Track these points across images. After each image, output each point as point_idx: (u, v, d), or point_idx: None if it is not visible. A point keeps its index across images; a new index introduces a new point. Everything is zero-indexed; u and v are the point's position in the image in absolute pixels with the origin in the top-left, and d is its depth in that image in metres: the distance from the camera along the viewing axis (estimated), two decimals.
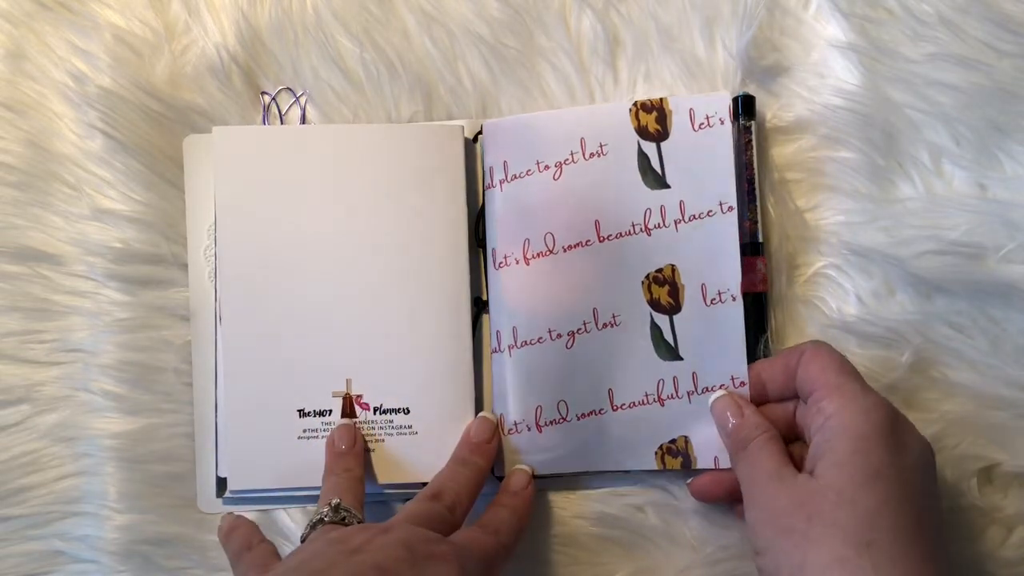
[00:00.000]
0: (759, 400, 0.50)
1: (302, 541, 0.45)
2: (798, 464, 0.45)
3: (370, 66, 0.56)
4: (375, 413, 0.52)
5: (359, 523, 0.45)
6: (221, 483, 0.53)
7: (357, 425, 0.52)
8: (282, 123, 0.56)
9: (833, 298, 0.53)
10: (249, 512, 0.53)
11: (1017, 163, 0.52)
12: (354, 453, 0.51)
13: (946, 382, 0.52)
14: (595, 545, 0.53)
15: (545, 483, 0.53)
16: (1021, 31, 0.53)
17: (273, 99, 0.56)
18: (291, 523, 0.53)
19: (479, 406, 0.53)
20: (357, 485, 0.49)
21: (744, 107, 0.52)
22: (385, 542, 0.41)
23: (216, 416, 0.53)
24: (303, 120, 0.56)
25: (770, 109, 0.54)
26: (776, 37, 0.55)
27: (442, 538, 0.42)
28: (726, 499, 0.51)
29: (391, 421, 0.52)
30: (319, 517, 0.45)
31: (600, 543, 0.53)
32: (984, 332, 0.52)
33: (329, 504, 0.46)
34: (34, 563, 0.53)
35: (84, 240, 0.55)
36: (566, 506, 0.53)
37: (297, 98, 0.56)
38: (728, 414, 0.48)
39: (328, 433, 0.51)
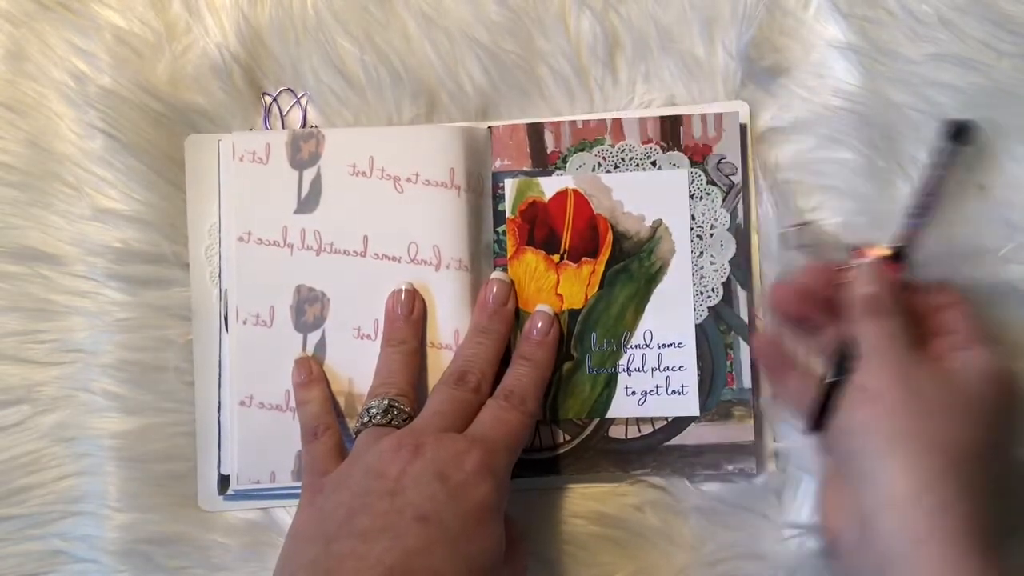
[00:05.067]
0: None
1: (355, 435, 0.48)
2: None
3: (370, 68, 0.56)
4: None
5: (407, 419, 0.48)
6: (223, 481, 0.53)
7: (417, 293, 0.52)
8: (283, 125, 0.56)
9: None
10: (251, 511, 0.53)
11: (1017, 163, 0.52)
12: (411, 322, 0.51)
13: None
14: (595, 545, 0.53)
15: (544, 482, 0.53)
16: (1021, 31, 0.53)
17: (274, 100, 0.56)
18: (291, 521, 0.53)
19: None
20: (411, 360, 0.51)
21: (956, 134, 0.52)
22: (419, 475, 0.42)
23: (219, 414, 0.53)
24: (304, 122, 0.56)
25: (770, 109, 0.54)
26: (776, 38, 0.55)
27: (470, 443, 0.44)
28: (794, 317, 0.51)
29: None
30: (368, 417, 0.48)
31: (600, 543, 0.53)
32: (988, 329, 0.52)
33: (379, 404, 0.48)
34: (34, 563, 0.53)
35: (84, 240, 0.55)
36: (566, 506, 0.53)
37: (298, 99, 0.56)
38: (870, 275, 0.48)
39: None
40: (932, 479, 0.42)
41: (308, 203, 0.53)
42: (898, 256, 0.50)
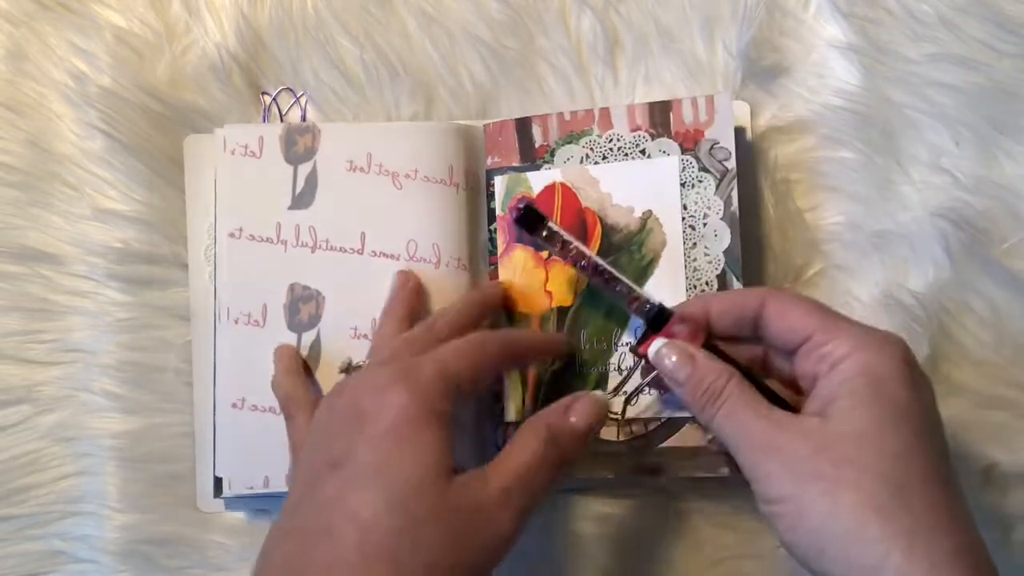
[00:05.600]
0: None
1: None
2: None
3: (370, 67, 0.56)
4: None
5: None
6: (218, 483, 0.52)
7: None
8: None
9: (834, 299, 0.53)
10: (250, 512, 0.53)
11: (1017, 163, 0.52)
12: (408, 290, 0.51)
13: (947, 381, 0.52)
14: (595, 545, 0.52)
15: None
16: (1021, 31, 0.53)
17: (274, 99, 0.56)
18: None
19: None
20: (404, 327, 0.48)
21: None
22: (340, 416, 0.40)
23: (214, 416, 0.53)
24: (303, 121, 0.56)
25: (770, 109, 0.54)
26: (776, 37, 0.55)
27: (391, 366, 0.41)
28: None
29: None
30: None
31: (597, 545, 0.52)
32: (988, 328, 0.52)
33: (346, 365, 0.49)
34: (34, 563, 0.53)
35: (84, 240, 0.55)
36: (566, 506, 0.53)
37: (297, 99, 0.56)
38: (677, 362, 0.43)
39: None
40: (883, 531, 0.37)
41: (303, 199, 0.52)
42: (661, 318, 0.45)
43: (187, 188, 0.55)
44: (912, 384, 0.40)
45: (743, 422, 0.41)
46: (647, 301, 0.46)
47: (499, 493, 0.39)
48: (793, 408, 0.42)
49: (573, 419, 0.42)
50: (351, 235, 0.52)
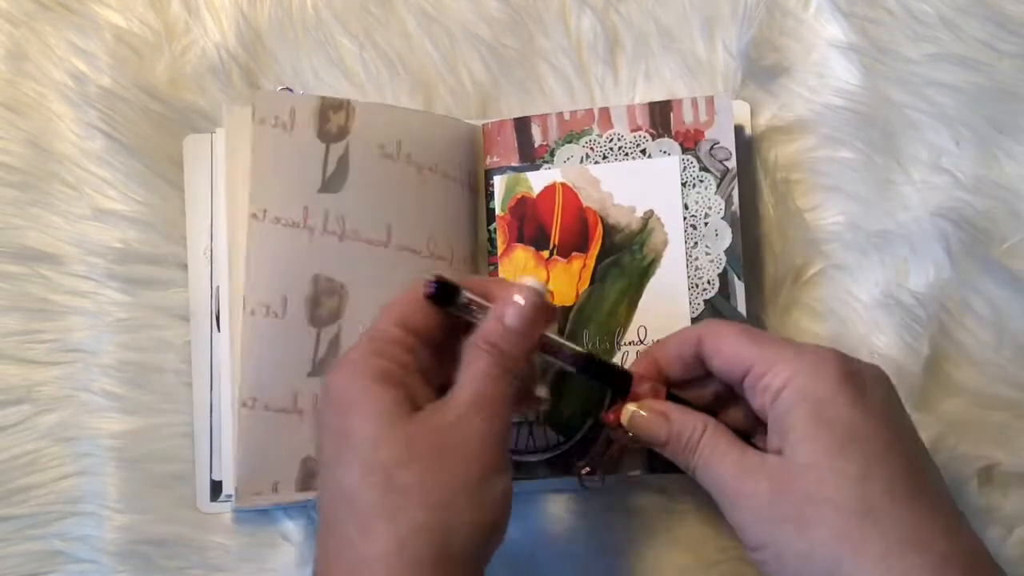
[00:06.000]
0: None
1: None
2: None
3: (370, 66, 0.56)
4: None
5: None
6: (216, 487, 0.52)
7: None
8: None
9: (834, 299, 0.53)
10: (250, 512, 0.53)
11: (1017, 163, 0.52)
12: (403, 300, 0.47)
13: (948, 381, 0.52)
14: (592, 547, 0.52)
15: (539, 485, 0.52)
16: (1021, 31, 0.53)
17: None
18: (290, 523, 0.53)
19: None
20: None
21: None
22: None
23: (211, 418, 0.52)
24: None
25: (770, 109, 0.54)
26: (776, 37, 0.55)
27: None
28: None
29: None
30: None
31: (597, 545, 0.52)
32: (988, 328, 0.52)
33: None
34: (34, 563, 0.53)
35: (84, 240, 0.55)
36: (561, 508, 0.53)
37: None
38: (652, 423, 0.43)
39: None
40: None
41: (334, 182, 0.49)
42: (624, 379, 0.44)
43: (187, 188, 0.55)
44: (855, 399, 0.39)
45: (716, 474, 0.41)
46: (598, 364, 0.44)
47: (458, 408, 0.39)
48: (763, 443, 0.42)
49: (509, 322, 0.41)
50: (378, 226, 0.50)
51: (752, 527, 0.40)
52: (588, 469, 0.47)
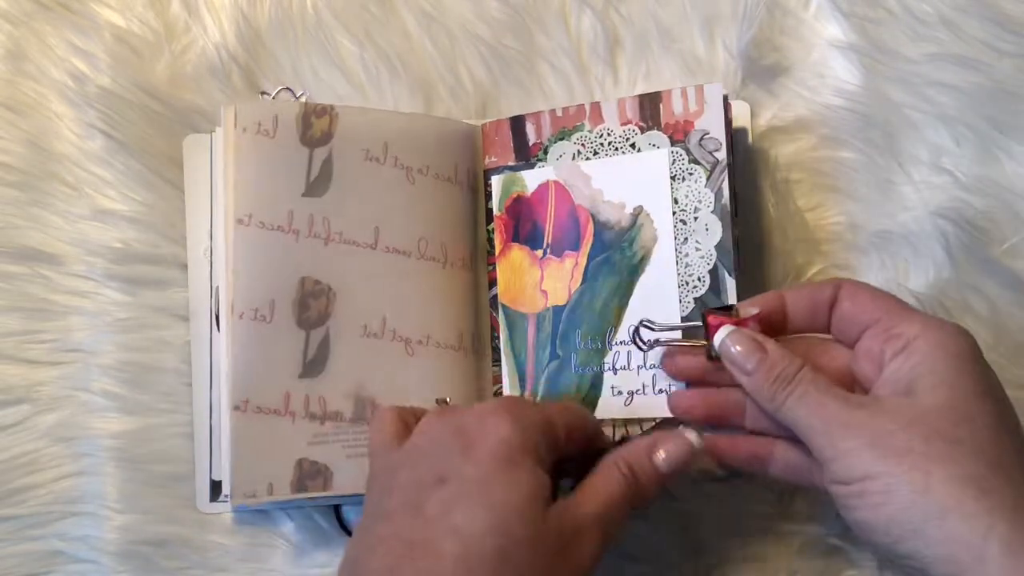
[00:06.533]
0: (772, 333, 0.44)
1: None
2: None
3: (370, 66, 0.56)
4: None
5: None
6: (215, 487, 0.52)
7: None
8: None
9: None
10: (250, 512, 0.53)
11: (1017, 163, 0.52)
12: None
13: None
14: None
15: None
16: (1021, 31, 0.52)
17: (273, 99, 0.56)
18: (290, 523, 0.53)
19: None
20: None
21: None
22: (438, 437, 0.42)
23: (210, 418, 0.52)
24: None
25: (770, 109, 0.54)
26: (776, 37, 0.55)
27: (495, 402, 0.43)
28: (749, 461, 0.45)
29: None
30: None
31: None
32: (988, 328, 0.52)
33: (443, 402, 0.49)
34: (34, 563, 0.53)
35: (84, 240, 0.55)
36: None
37: (297, 98, 0.56)
38: (744, 351, 0.42)
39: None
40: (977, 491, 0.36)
41: (318, 186, 0.50)
42: (729, 308, 0.45)
43: (186, 188, 0.55)
44: (984, 365, 0.40)
45: (819, 402, 0.40)
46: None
47: (590, 521, 0.40)
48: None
49: (658, 461, 0.42)
50: (365, 228, 0.50)
51: (860, 455, 0.38)
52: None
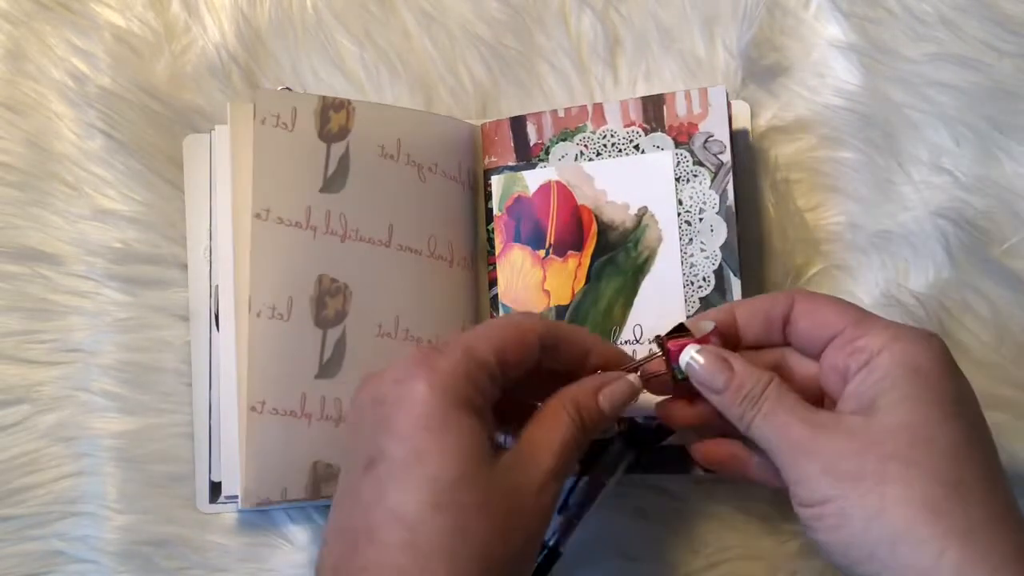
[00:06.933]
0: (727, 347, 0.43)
1: None
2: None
3: (370, 66, 0.56)
4: None
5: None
6: (215, 488, 0.52)
7: None
8: None
9: None
10: (250, 513, 0.53)
11: (1017, 163, 0.52)
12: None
13: None
14: (592, 547, 0.52)
15: None
16: (1021, 31, 0.52)
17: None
18: (290, 524, 0.53)
19: None
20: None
21: None
22: (361, 411, 0.39)
23: (209, 419, 0.52)
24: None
25: (770, 109, 0.54)
26: (776, 37, 0.55)
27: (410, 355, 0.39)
28: (729, 463, 0.44)
29: None
30: None
31: (597, 545, 0.52)
32: (988, 328, 0.52)
33: None
34: (34, 563, 0.53)
35: (84, 240, 0.55)
36: None
37: None
38: (711, 368, 0.41)
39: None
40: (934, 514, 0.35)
41: (334, 182, 0.49)
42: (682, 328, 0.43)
43: (186, 188, 0.55)
44: (953, 376, 0.38)
45: (782, 423, 0.39)
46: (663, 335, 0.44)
47: (541, 475, 0.38)
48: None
49: (602, 401, 0.41)
50: (380, 226, 0.50)
51: (818, 480, 0.37)
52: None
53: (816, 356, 0.41)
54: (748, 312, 0.43)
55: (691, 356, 0.41)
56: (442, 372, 0.37)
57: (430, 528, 0.35)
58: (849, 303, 0.41)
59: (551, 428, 0.39)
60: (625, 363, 0.43)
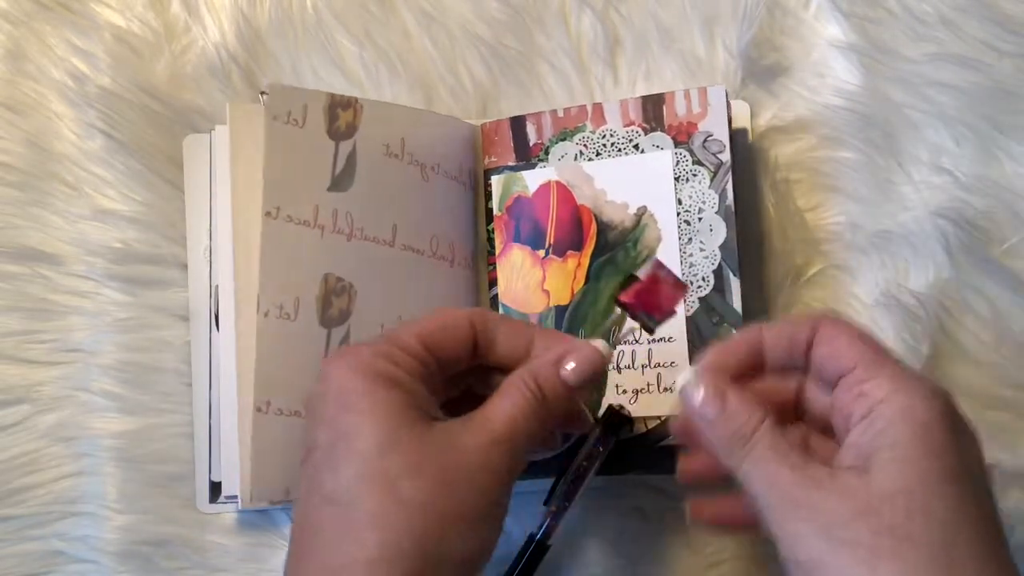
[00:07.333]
0: (750, 371, 0.41)
1: None
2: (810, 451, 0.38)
3: (370, 66, 0.56)
4: None
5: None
6: (215, 488, 0.52)
7: None
8: None
9: (834, 300, 0.53)
10: (250, 513, 0.53)
11: (1017, 163, 0.52)
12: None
13: (948, 381, 0.52)
14: (592, 547, 0.52)
15: (537, 484, 0.52)
16: (1021, 31, 0.52)
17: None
18: (291, 523, 0.53)
19: None
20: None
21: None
22: (309, 408, 0.40)
23: (209, 419, 0.52)
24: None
25: (770, 109, 0.54)
26: (776, 37, 0.55)
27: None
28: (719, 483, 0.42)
29: None
30: None
31: (597, 545, 0.52)
32: (988, 328, 0.52)
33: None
34: (34, 563, 0.53)
35: (84, 240, 0.55)
36: None
37: None
38: (705, 398, 0.39)
39: None
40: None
41: (342, 180, 0.49)
42: None
43: (186, 188, 0.55)
44: (957, 433, 0.36)
45: (773, 473, 0.37)
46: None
47: (487, 435, 0.38)
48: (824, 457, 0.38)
49: (565, 373, 0.40)
50: (384, 225, 0.50)
51: (807, 542, 0.36)
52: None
53: (831, 388, 0.40)
54: (774, 335, 0.41)
55: (684, 382, 0.39)
56: (359, 355, 0.38)
57: (357, 500, 0.35)
58: (869, 338, 0.39)
59: (505, 397, 0.39)
60: (571, 348, 0.41)
